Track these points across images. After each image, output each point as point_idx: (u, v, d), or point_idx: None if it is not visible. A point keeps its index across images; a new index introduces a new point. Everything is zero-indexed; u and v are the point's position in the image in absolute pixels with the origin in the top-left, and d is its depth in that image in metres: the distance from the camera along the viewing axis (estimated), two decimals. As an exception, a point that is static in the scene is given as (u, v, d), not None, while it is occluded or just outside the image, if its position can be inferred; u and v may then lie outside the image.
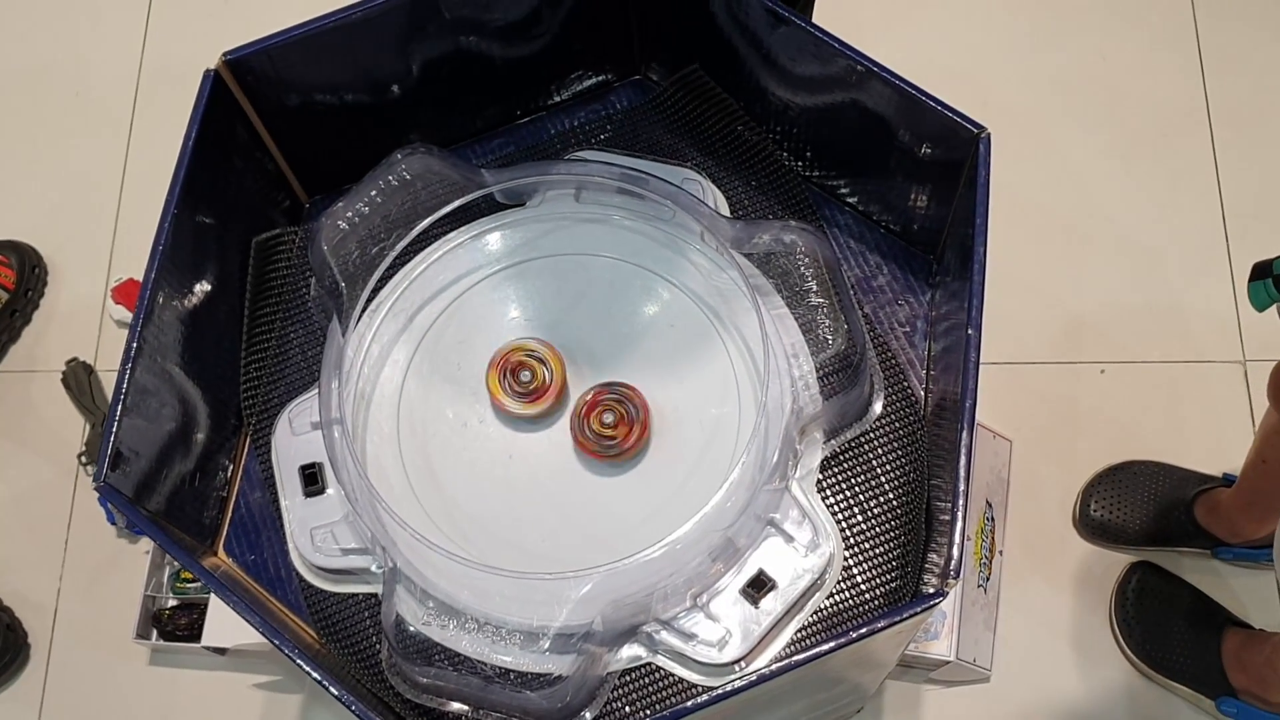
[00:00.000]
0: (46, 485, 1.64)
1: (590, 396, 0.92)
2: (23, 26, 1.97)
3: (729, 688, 0.73)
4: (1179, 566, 1.46)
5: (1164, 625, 1.40)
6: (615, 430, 0.91)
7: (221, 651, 1.45)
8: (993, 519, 1.42)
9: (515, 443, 0.95)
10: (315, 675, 0.75)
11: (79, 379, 1.67)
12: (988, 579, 1.39)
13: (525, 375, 0.93)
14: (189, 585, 1.49)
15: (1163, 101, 1.74)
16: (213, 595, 1.43)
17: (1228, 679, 1.35)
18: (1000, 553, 1.43)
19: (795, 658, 0.74)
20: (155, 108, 1.89)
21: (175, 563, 1.50)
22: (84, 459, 1.63)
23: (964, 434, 0.77)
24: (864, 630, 0.73)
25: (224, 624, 1.41)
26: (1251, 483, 1.32)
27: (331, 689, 0.75)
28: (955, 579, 0.74)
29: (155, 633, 1.49)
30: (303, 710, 1.48)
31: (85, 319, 1.75)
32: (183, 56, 1.89)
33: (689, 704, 0.73)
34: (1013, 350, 1.58)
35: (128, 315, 1.70)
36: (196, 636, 1.43)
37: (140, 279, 1.64)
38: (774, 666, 0.74)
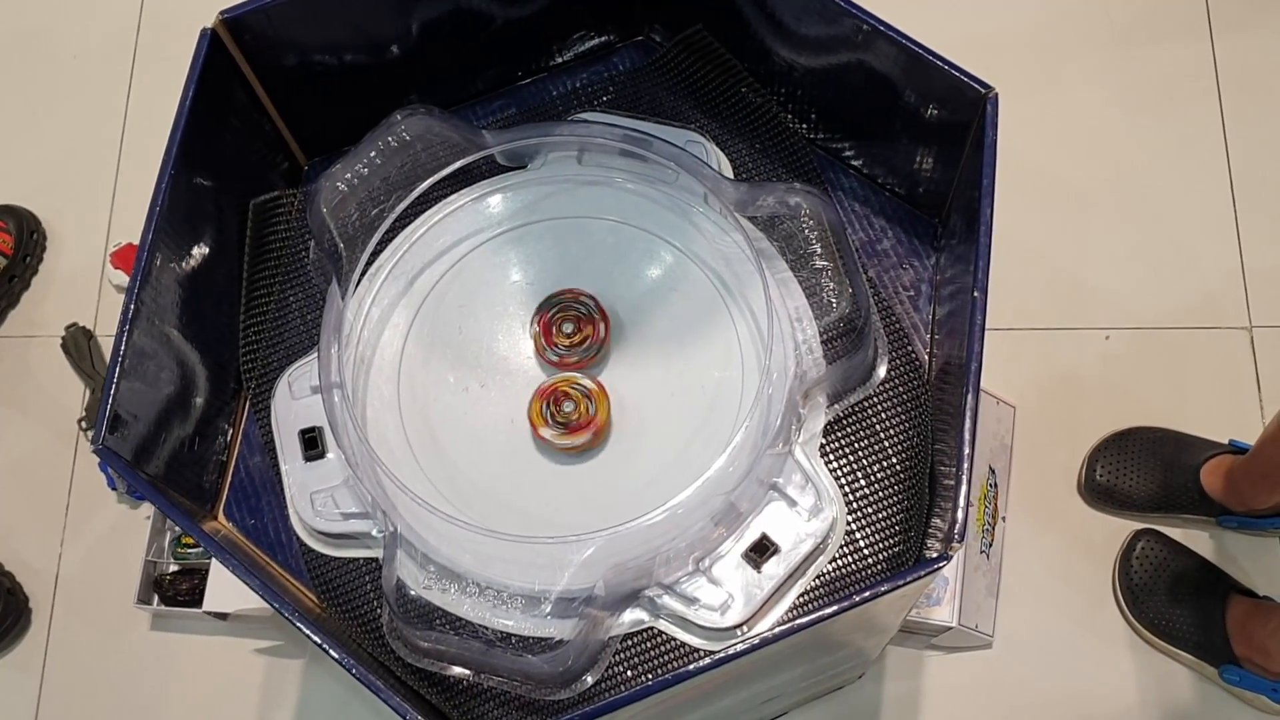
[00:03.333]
0: (46, 450, 1.64)
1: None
2: (19, -11, 1.96)
3: (731, 651, 0.73)
4: (1183, 533, 1.45)
5: (1168, 592, 1.39)
6: (576, 335, 0.92)
7: (223, 617, 1.45)
8: (996, 485, 1.41)
9: (517, 408, 0.94)
10: (316, 639, 0.75)
11: (78, 344, 1.66)
12: (990, 545, 1.39)
13: (568, 406, 0.91)
14: (190, 550, 1.49)
15: (1170, 63, 1.72)
16: (214, 560, 1.43)
17: (1231, 647, 1.34)
18: (1003, 519, 1.42)
19: (798, 621, 0.73)
20: (153, 71, 1.87)
21: (176, 528, 1.50)
22: (84, 424, 1.63)
23: (969, 397, 0.76)
24: (867, 594, 0.73)
25: (225, 589, 1.41)
26: (1270, 455, 1.31)
27: (332, 653, 0.74)
28: (959, 543, 0.73)
29: (156, 598, 1.48)
30: (304, 674, 1.48)
31: (84, 284, 1.74)
32: (181, 17, 1.87)
33: (691, 667, 0.73)
34: (1016, 316, 1.58)
35: (127, 280, 1.69)
36: (198, 602, 1.43)
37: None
38: (777, 630, 0.74)
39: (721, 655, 0.73)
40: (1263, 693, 1.33)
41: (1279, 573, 1.44)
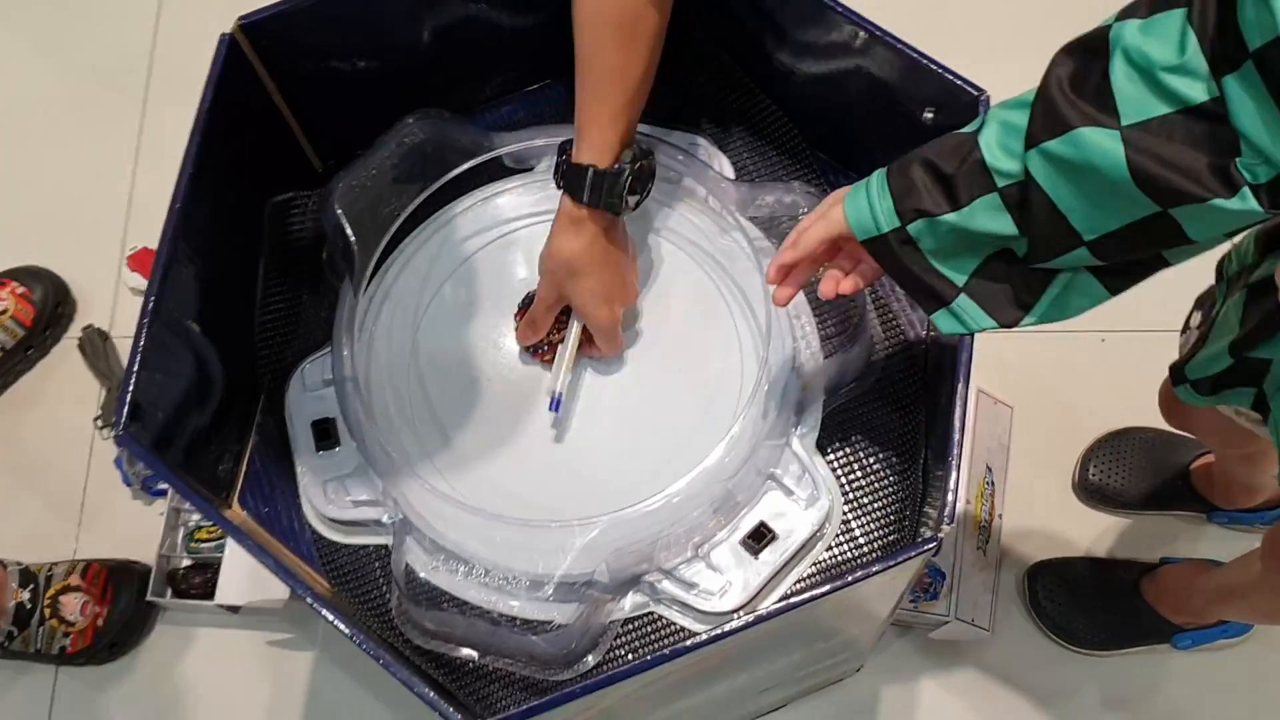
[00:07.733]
0: (62, 449, 1.67)
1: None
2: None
3: (727, 628, 0.75)
4: (1174, 530, 1.48)
5: (1085, 612, 1.41)
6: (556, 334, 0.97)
7: (235, 610, 1.48)
8: (993, 484, 1.44)
9: (522, 399, 0.97)
10: (325, 613, 0.77)
11: (95, 345, 1.69)
12: (987, 541, 1.41)
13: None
14: (202, 545, 1.51)
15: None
16: (226, 555, 1.46)
17: (1167, 620, 1.37)
18: (1000, 516, 1.45)
19: (792, 600, 0.76)
20: (170, 76, 1.91)
21: (188, 524, 1.53)
22: (100, 423, 1.66)
23: (959, 385, 0.79)
24: (859, 573, 0.75)
25: (237, 582, 1.43)
26: None
27: (341, 626, 0.76)
28: (950, 525, 0.76)
29: (169, 591, 1.51)
30: (315, 666, 1.50)
31: (101, 286, 1.77)
32: (197, 23, 1.91)
33: (688, 643, 0.75)
34: (1014, 319, 1.60)
35: (143, 283, 1.72)
36: (210, 595, 1.45)
37: (155, 247, 1.64)
38: (771, 608, 0.76)
39: (716, 632, 0.75)
40: (1215, 639, 1.38)
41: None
